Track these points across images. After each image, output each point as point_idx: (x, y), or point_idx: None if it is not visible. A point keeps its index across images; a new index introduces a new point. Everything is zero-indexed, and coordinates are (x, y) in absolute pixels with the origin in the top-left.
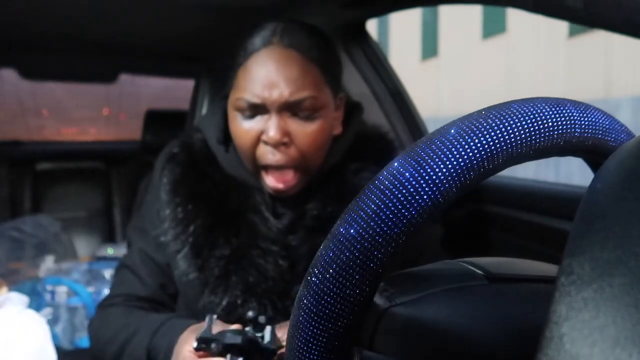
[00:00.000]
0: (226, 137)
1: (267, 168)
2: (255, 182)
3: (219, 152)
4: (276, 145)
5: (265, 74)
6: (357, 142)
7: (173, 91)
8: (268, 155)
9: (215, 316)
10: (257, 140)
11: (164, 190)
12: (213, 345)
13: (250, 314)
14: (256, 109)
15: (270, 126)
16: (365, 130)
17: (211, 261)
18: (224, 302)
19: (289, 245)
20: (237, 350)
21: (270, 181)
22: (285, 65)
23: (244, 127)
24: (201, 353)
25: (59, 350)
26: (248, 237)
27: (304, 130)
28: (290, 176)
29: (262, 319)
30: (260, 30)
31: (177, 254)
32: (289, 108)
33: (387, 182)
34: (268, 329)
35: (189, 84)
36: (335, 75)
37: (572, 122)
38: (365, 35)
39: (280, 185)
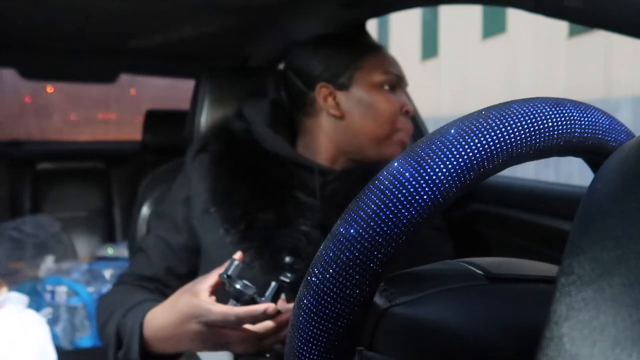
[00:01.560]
0: (276, 122)
1: (401, 132)
2: (304, 161)
3: (266, 135)
4: (410, 115)
5: (393, 61)
6: None
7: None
8: (407, 123)
9: (237, 261)
10: (399, 109)
11: (204, 168)
12: (228, 285)
13: (287, 259)
14: (398, 83)
15: (407, 100)
16: None
17: (258, 223)
18: (263, 263)
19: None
20: (240, 299)
21: (400, 137)
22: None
23: (390, 98)
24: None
25: (59, 350)
26: (295, 209)
27: None
28: (409, 139)
29: (296, 264)
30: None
31: (214, 221)
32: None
33: (387, 182)
34: (273, 285)
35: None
36: None
37: (572, 122)
38: (365, 35)
39: (407, 138)
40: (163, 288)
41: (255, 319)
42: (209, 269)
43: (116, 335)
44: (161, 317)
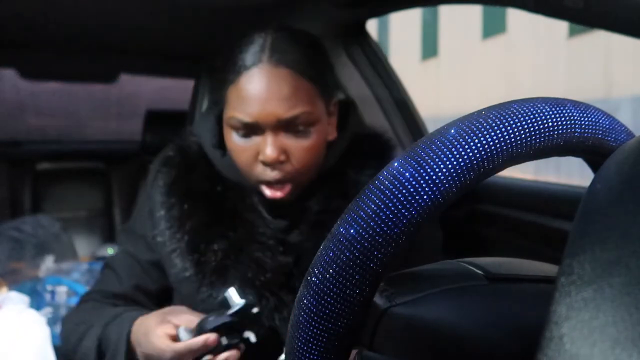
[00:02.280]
0: (221, 143)
1: (266, 183)
2: (252, 184)
3: (214, 156)
4: (273, 164)
5: (258, 94)
6: (355, 142)
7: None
8: (266, 172)
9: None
10: (255, 158)
11: (158, 192)
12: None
13: (230, 291)
14: (251, 128)
15: (266, 145)
16: (363, 130)
17: (208, 255)
18: (221, 296)
19: (288, 241)
20: (229, 329)
21: (269, 192)
22: (276, 84)
23: (240, 146)
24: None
25: (59, 350)
26: (246, 233)
27: (300, 146)
28: (288, 188)
29: (255, 309)
30: (249, 45)
31: (172, 253)
32: (284, 126)
33: (387, 182)
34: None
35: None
36: (327, 83)
37: (572, 122)
38: (365, 35)
39: (278, 194)
40: (132, 304)
41: (197, 351)
42: (177, 299)
43: (97, 348)
44: (140, 337)
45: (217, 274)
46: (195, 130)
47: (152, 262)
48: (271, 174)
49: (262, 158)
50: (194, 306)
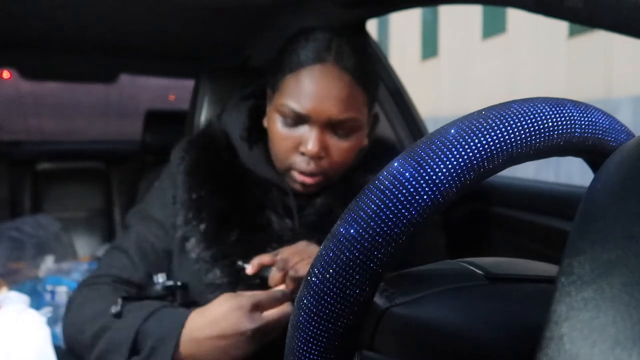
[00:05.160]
0: (250, 135)
1: (300, 171)
2: (276, 180)
3: (241, 148)
4: (313, 157)
5: (318, 90)
6: (370, 148)
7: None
8: (303, 164)
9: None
10: (295, 148)
11: (180, 174)
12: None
13: (239, 263)
14: (300, 119)
15: (311, 139)
16: (376, 137)
17: (223, 244)
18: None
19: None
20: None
21: (300, 177)
22: (337, 86)
23: (284, 133)
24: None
25: (59, 350)
26: (263, 236)
27: (340, 147)
28: (318, 179)
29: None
30: (314, 42)
31: (185, 241)
32: (332, 125)
33: (387, 182)
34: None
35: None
36: (375, 95)
37: (572, 122)
38: (365, 35)
39: (308, 180)
40: (140, 293)
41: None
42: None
43: (134, 340)
44: (202, 330)
45: (230, 262)
46: (224, 120)
47: (166, 251)
48: (307, 166)
49: (303, 149)
50: (198, 294)
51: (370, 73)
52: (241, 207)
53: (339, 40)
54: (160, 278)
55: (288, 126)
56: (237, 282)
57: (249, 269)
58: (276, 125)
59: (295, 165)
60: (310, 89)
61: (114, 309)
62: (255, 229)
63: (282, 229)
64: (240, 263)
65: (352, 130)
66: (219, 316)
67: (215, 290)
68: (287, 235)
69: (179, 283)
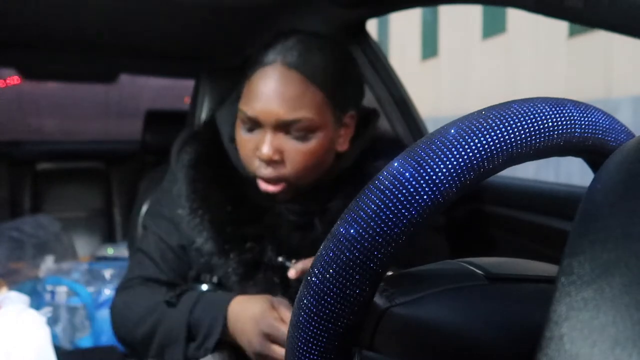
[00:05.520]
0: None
1: (261, 178)
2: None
3: (230, 150)
4: (267, 161)
5: (263, 91)
6: (374, 143)
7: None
8: (261, 168)
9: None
10: (254, 152)
11: (182, 169)
12: None
13: (280, 259)
14: (254, 123)
15: (263, 142)
16: (380, 134)
17: (231, 253)
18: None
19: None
20: None
21: (263, 186)
22: (283, 85)
23: (243, 138)
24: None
25: (59, 350)
26: (270, 243)
27: (297, 149)
28: (281, 187)
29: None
30: (272, 45)
31: (195, 228)
32: (283, 127)
33: (387, 182)
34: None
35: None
36: (343, 94)
37: (572, 122)
38: (365, 35)
39: (270, 188)
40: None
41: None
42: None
43: (187, 328)
44: (241, 313)
45: (239, 253)
46: (217, 121)
47: (181, 246)
48: (265, 171)
49: (258, 154)
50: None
51: (332, 71)
52: (245, 206)
53: (295, 40)
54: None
55: (247, 131)
56: (249, 272)
57: (292, 272)
58: (238, 132)
59: (257, 171)
60: (257, 91)
61: (169, 297)
62: (263, 237)
63: (288, 234)
64: (281, 259)
65: (308, 131)
66: (251, 305)
67: (228, 279)
68: (294, 243)
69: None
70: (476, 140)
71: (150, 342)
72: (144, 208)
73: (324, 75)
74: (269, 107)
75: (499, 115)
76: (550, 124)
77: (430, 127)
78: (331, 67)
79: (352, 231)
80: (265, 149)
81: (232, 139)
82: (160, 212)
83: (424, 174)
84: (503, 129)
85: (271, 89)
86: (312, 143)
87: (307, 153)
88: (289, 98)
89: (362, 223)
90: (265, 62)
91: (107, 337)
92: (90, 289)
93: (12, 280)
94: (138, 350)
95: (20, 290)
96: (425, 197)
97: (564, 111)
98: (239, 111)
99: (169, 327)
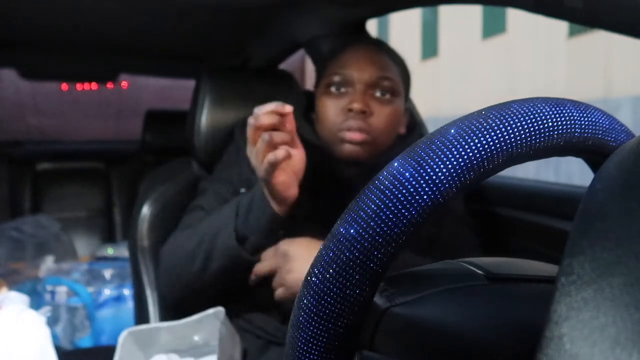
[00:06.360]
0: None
1: (348, 128)
2: (334, 138)
3: (302, 125)
4: (359, 113)
5: (358, 56)
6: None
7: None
8: (350, 120)
9: None
10: (343, 110)
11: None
12: None
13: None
14: (347, 84)
15: (356, 99)
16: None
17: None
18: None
19: None
20: None
21: (349, 134)
22: (375, 54)
23: (332, 101)
24: None
25: (59, 350)
26: (331, 206)
27: (382, 110)
28: (364, 136)
29: None
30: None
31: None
32: (372, 85)
33: (387, 182)
34: None
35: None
36: (407, 88)
37: (572, 122)
38: (365, 35)
39: (356, 135)
40: None
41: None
42: None
43: (236, 210)
44: None
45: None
46: None
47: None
48: (354, 122)
49: (350, 106)
50: None
51: (403, 64)
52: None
53: (378, 39)
54: None
55: (334, 94)
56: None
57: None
58: (324, 98)
59: (344, 123)
60: (353, 55)
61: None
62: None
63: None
64: None
65: (391, 93)
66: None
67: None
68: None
69: None
70: (476, 140)
71: (200, 246)
72: (144, 208)
73: (399, 62)
74: (364, 65)
75: (499, 115)
76: (550, 124)
77: (430, 127)
78: (400, 59)
79: (352, 231)
80: (358, 103)
81: (302, 115)
82: (219, 176)
83: (424, 174)
84: (503, 129)
85: (366, 56)
86: (393, 106)
87: (389, 114)
88: (380, 61)
89: (362, 223)
90: (351, 45)
91: (107, 337)
92: (90, 289)
93: (12, 280)
94: (191, 284)
95: (20, 290)
96: (425, 197)
97: (564, 111)
98: (329, 76)
99: (222, 244)
